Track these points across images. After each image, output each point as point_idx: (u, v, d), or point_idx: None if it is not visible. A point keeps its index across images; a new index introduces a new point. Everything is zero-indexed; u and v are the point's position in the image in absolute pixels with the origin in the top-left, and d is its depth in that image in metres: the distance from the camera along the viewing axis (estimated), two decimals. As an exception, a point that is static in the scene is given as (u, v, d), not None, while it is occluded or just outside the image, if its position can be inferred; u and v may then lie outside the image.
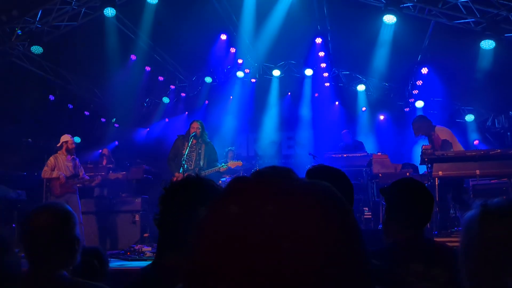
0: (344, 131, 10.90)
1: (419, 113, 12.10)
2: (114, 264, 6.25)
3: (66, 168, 8.06)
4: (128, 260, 6.83)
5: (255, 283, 0.50)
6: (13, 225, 9.46)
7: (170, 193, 1.89)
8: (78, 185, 8.22)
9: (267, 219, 0.53)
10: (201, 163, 7.56)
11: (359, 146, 10.35)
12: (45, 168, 8.07)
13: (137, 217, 8.86)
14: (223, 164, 7.73)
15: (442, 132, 7.17)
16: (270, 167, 0.61)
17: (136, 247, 7.68)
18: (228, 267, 0.51)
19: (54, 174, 7.94)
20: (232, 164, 7.85)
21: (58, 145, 8.25)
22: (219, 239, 0.54)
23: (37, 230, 2.00)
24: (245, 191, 0.57)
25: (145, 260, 6.61)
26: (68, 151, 8.17)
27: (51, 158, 8.19)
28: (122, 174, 9.44)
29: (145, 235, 8.56)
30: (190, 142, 7.54)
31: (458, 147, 7.07)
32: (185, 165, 7.32)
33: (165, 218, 1.86)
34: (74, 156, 8.32)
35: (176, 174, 7.25)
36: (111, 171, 9.76)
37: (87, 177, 8.46)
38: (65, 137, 8.24)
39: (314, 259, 0.51)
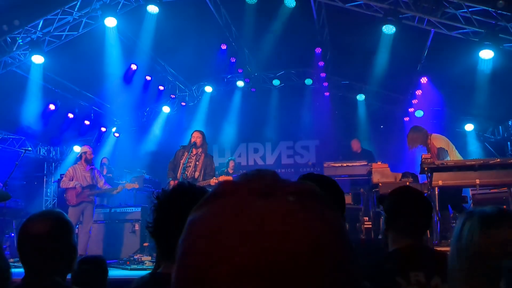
0: (353, 139, 10.81)
1: (419, 122, 12.13)
2: (114, 273, 6.23)
3: (84, 178, 8.30)
4: (127, 269, 6.81)
5: (244, 285, 0.50)
6: (12, 234, 9.45)
7: (162, 201, 1.90)
8: (93, 195, 8.34)
9: (254, 219, 0.52)
10: (196, 174, 7.49)
11: (369, 155, 10.19)
12: (64, 178, 8.39)
13: (136, 227, 8.85)
14: (214, 178, 7.59)
15: (438, 140, 7.18)
16: (254, 170, 0.62)
17: (136, 257, 7.68)
18: (216, 271, 0.51)
19: (71, 184, 8.18)
20: (223, 178, 7.75)
21: (78, 155, 8.56)
22: (206, 243, 0.53)
23: (33, 237, 1.99)
24: (230, 193, 0.57)
25: (145, 269, 6.59)
26: (87, 161, 8.46)
27: (70, 169, 8.53)
28: (137, 184, 9.34)
29: (145, 244, 8.53)
30: (190, 152, 7.55)
31: (454, 154, 7.07)
32: (185, 174, 7.32)
33: (159, 227, 1.86)
34: (93, 167, 8.59)
35: (171, 182, 7.27)
36: (117, 181, 9.90)
37: (108, 186, 8.68)
38: (84, 148, 8.60)
39: (302, 257, 0.51)
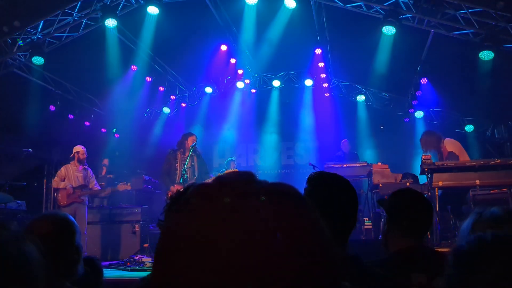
0: (343, 140, 10.95)
1: (419, 123, 12.15)
2: (114, 274, 6.23)
3: (76, 178, 8.13)
4: (128, 270, 6.81)
5: (222, 285, 0.50)
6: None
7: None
8: (85, 195, 8.22)
9: (230, 220, 0.53)
10: (196, 174, 7.60)
11: (354, 158, 10.41)
12: (55, 178, 8.20)
13: (137, 228, 8.83)
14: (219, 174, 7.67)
15: (450, 144, 7.17)
16: (231, 172, 0.62)
17: (136, 258, 7.66)
18: (187, 276, 0.51)
19: (61, 185, 8.01)
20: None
21: (71, 155, 8.37)
22: (177, 248, 0.54)
23: (38, 238, 1.98)
24: (207, 196, 0.57)
25: (145, 270, 6.59)
26: (80, 161, 8.28)
27: (62, 169, 8.32)
28: (130, 185, 9.36)
29: (145, 245, 8.53)
30: (190, 153, 7.57)
31: (465, 159, 7.05)
32: (186, 175, 7.34)
33: None
34: (86, 167, 8.40)
35: (176, 186, 7.27)
36: (117, 182, 9.80)
37: (98, 187, 8.53)
38: (77, 148, 8.38)
39: (275, 257, 0.51)
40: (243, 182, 0.59)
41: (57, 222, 2.07)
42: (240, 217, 0.54)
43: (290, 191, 0.59)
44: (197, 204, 0.57)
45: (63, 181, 8.05)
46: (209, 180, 0.62)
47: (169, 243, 0.56)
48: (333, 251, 0.57)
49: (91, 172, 8.51)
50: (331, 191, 1.86)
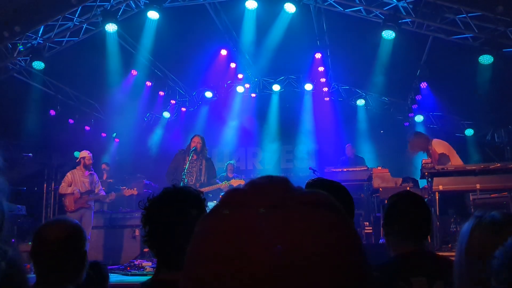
0: (347, 145, 10.96)
1: (419, 127, 12.15)
2: (114, 279, 6.21)
3: (82, 184, 8.18)
4: (128, 275, 6.80)
5: None
6: (12, 240, 9.42)
7: (151, 212, 1.88)
8: (92, 201, 8.25)
9: (266, 231, 0.51)
10: (202, 178, 7.58)
11: (360, 162, 10.39)
12: (62, 184, 8.25)
13: (137, 232, 8.82)
14: (225, 181, 7.70)
15: (439, 146, 7.18)
16: (265, 177, 0.59)
17: (136, 262, 7.65)
18: (224, 282, 0.50)
19: (69, 190, 8.05)
20: (235, 182, 7.78)
21: (77, 160, 8.41)
22: (211, 255, 0.52)
23: (48, 244, 1.98)
24: (241, 202, 0.55)
25: (145, 275, 6.57)
26: (86, 166, 8.33)
27: (68, 174, 8.37)
28: (136, 190, 9.28)
29: (145, 250, 8.51)
30: (190, 157, 7.57)
31: (456, 159, 7.07)
32: (186, 180, 7.33)
33: (153, 238, 1.86)
34: (92, 172, 8.45)
35: None
36: (117, 186, 9.81)
37: (103, 193, 8.55)
38: (83, 153, 8.43)
39: (318, 271, 0.50)
40: (278, 190, 0.56)
41: (68, 228, 2.08)
42: (274, 228, 0.51)
43: (331, 201, 0.57)
44: (229, 211, 0.55)
45: (70, 186, 8.08)
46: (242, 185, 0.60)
47: (199, 248, 0.55)
48: (367, 264, 0.55)
49: (97, 177, 8.55)
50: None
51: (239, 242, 0.51)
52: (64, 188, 8.14)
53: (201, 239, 0.55)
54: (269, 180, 0.58)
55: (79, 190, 8.05)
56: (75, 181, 8.14)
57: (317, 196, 0.57)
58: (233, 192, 0.58)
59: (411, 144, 7.36)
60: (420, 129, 12.12)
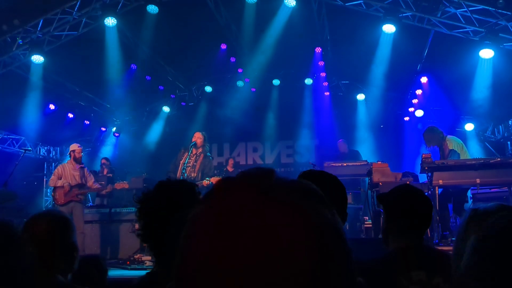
0: (339, 140, 10.94)
1: (419, 122, 12.14)
2: (114, 273, 6.22)
3: (73, 177, 8.07)
4: (128, 269, 6.81)
5: (247, 283, 0.50)
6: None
7: (145, 205, 1.88)
8: (83, 194, 8.21)
9: (253, 218, 0.53)
10: (194, 175, 7.49)
11: (356, 155, 10.36)
12: (52, 177, 8.16)
13: (137, 227, 8.79)
14: (206, 178, 7.52)
15: (452, 142, 7.18)
16: (253, 168, 0.62)
17: (136, 257, 7.66)
18: (214, 269, 0.51)
19: (59, 183, 7.95)
20: (214, 180, 7.60)
21: (67, 154, 8.33)
22: (205, 241, 0.54)
23: (36, 236, 2.00)
24: (229, 190, 0.58)
25: (145, 269, 6.58)
26: (76, 160, 8.22)
27: (58, 167, 8.30)
28: (128, 184, 9.33)
29: (145, 244, 8.51)
30: (190, 151, 7.56)
31: (465, 157, 7.05)
32: (186, 174, 7.33)
33: (148, 232, 1.85)
34: (83, 165, 8.34)
35: None
36: (118, 181, 9.76)
37: (98, 186, 8.50)
38: (73, 146, 8.31)
39: (299, 254, 0.52)
40: (265, 177, 0.59)
41: (54, 220, 2.09)
42: (261, 213, 0.54)
43: (314, 190, 0.60)
44: (220, 200, 0.57)
45: (60, 179, 8.00)
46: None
47: (191, 237, 0.56)
48: (348, 247, 0.58)
49: (88, 171, 8.46)
50: (321, 188, 1.86)
51: (228, 228, 0.53)
52: (53, 181, 8.02)
53: (193, 226, 0.57)
54: (257, 170, 0.61)
55: (70, 183, 7.99)
56: (65, 175, 8.02)
57: (301, 184, 0.60)
58: (224, 180, 0.61)
59: (425, 138, 7.37)
60: (420, 123, 12.12)
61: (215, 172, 8.61)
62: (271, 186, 0.57)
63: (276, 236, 0.52)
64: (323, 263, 0.53)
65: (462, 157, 7.00)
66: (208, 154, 7.87)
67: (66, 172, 8.07)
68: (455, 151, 7.02)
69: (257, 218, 0.53)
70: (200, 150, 7.65)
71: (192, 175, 7.47)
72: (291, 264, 0.51)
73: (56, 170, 8.26)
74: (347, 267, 0.56)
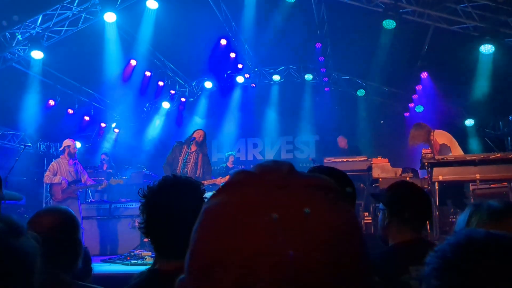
0: (339, 137, 10.93)
1: (419, 118, 12.11)
2: (114, 268, 6.24)
3: (68, 173, 8.01)
4: (128, 264, 6.82)
5: (260, 272, 0.50)
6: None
7: (150, 199, 1.88)
8: (80, 190, 8.19)
9: (269, 211, 0.53)
10: (198, 172, 7.50)
11: (356, 151, 10.36)
12: (47, 173, 8.04)
13: (137, 222, 8.82)
14: (220, 177, 7.61)
15: (441, 136, 7.14)
16: (270, 161, 0.62)
17: (136, 252, 7.67)
18: (229, 259, 0.51)
19: (56, 180, 7.89)
20: (219, 181, 7.64)
21: (61, 149, 8.25)
22: (221, 231, 0.54)
23: (41, 232, 1.99)
24: (247, 183, 0.58)
25: (145, 265, 6.59)
26: (70, 155, 8.14)
27: (53, 163, 8.18)
28: (123, 179, 9.39)
29: (145, 239, 8.53)
30: (189, 147, 7.55)
31: (457, 151, 7.04)
32: (186, 170, 7.32)
33: (151, 226, 1.85)
34: (77, 161, 8.27)
35: None
36: (112, 177, 9.74)
37: (92, 182, 8.46)
38: (67, 142, 8.23)
39: (318, 249, 0.51)
40: (283, 172, 0.59)
41: (61, 216, 2.08)
42: (279, 207, 0.54)
43: (332, 185, 0.60)
44: (238, 191, 0.57)
45: (55, 175, 7.95)
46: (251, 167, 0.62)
47: (207, 227, 0.56)
48: (365, 245, 0.57)
49: (81, 166, 8.41)
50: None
51: (245, 219, 0.53)
52: (49, 177, 7.92)
53: (209, 216, 0.57)
54: (275, 163, 0.61)
55: (67, 180, 7.93)
56: (60, 171, 7.95)
57: (319, 179, 0.60)
58: (241, 173, 0.61)
59: (410, 136, 7.29)
60: (420, 119, 12.09)
61: (216, 168, 8.61)
62: (288, 181, 0.57)
63: (293, 233, 0.52)
64: (345, 260, 0.53)
65: (453, 151, 6.98)
66: (207, 153, 7.87)
67: (61, 168, 7.99)
68: (446, 145, 7.00)
69: (275, 212, 0.53)
70: (199, 147, 7.64)
71: (197, 172, 7.48)
72: (310, 263, 0.51)
73: (51, 165, 8.12)
74: (367, 263, 0.56)
